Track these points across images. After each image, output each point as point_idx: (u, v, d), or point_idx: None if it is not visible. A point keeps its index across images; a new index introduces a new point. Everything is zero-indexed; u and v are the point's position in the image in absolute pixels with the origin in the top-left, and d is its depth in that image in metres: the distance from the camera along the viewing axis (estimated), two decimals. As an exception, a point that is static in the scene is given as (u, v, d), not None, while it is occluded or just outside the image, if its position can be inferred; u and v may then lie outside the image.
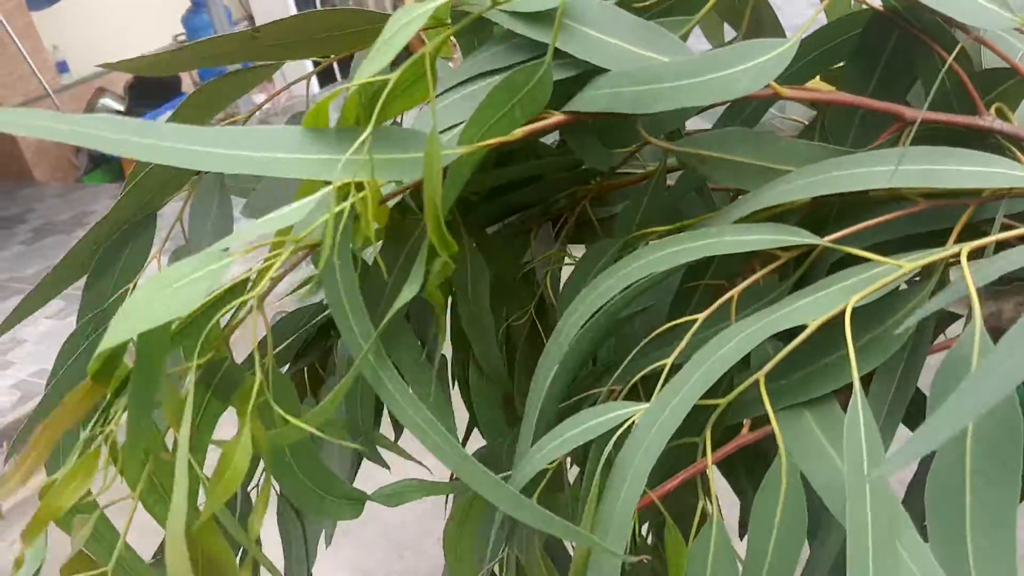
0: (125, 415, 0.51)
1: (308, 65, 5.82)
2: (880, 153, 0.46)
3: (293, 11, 5.79)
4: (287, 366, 0.76)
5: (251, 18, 5.87)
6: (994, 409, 0.42)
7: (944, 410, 0.37)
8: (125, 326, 0.41)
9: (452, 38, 0.61)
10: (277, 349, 0.73)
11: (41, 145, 5.09)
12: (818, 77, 0.59)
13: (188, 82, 5.44)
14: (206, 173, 0.72)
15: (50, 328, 3.42)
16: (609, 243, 0.61)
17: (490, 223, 0.68)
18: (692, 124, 0.63)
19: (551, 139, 0.65)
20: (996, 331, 0.41)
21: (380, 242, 0.61)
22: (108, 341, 0.41)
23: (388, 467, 0.83)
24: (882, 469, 0.42)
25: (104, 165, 5.22)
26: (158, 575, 0.55)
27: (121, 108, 4.88)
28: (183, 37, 5.15)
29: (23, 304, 0.74)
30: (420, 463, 0.94)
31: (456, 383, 0.74)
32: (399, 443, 0.81)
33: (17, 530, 2.40)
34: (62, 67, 5.18)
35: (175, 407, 0.46)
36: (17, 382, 3.10)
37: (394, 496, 0.71)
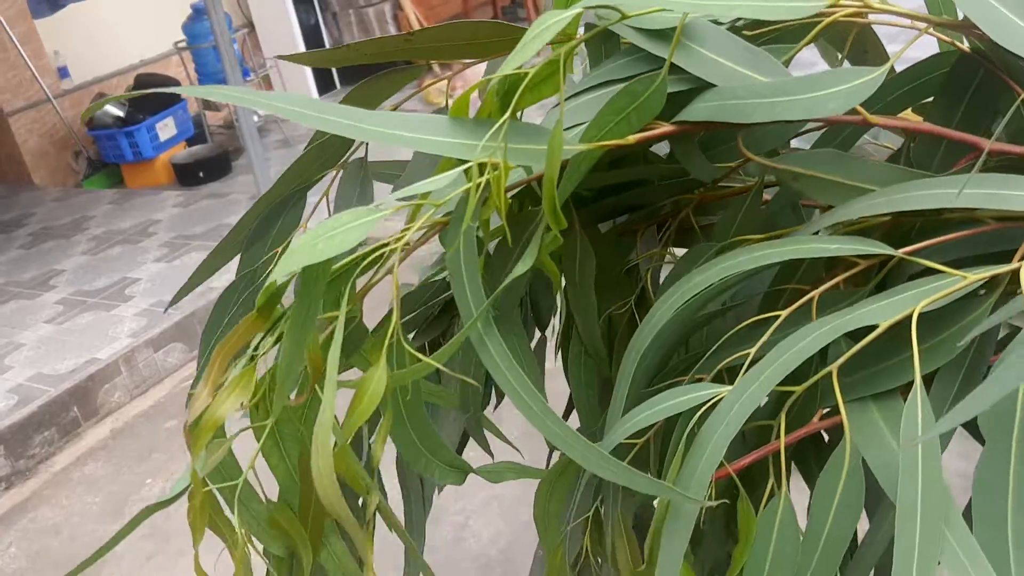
0: (275, 348, 0.60)
1: (306, 74, 5.82)
2: (953, 178, 0.52)
3: (293, 18, 5.87)
4: (411, 336, 0.85)
5: (251, 24, 5.99)
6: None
7: (992, 378, 0.42)
8: (292, 261, 0.50)
9: (582, 47, 0.69)
10: (407, 316, 0.81)
11: (41, 149, 5.14)
12: (909, 109, 0.64)
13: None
14: (352, 158, 0.82)
15: (49, 333, 3.45)
16: (706, 247, 0.68)
17: (602, 219, 0.76)
18: (794, 146, 0.70)
19: (663, 150, 0.72)
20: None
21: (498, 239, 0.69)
22: (277, 273, 0.50)
23: (492, 454, 0.91)
24: (931, 432, 0.47)
25: (103, 170, 5.25)
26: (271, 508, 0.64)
27: (121, 114, 4.94)
28: (183, 43, 5.17)
29: (201, 267, 0.85)
30: (516, 449, 1.02)
31: (560, 357, 0.81)
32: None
33: (9, 536, 2.57)
34: (63, 72, 5.22)
35: (314, 346, 0.55)
36: (15, 386, 3.07)
37: (494, 474, 0.79)
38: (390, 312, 0.88)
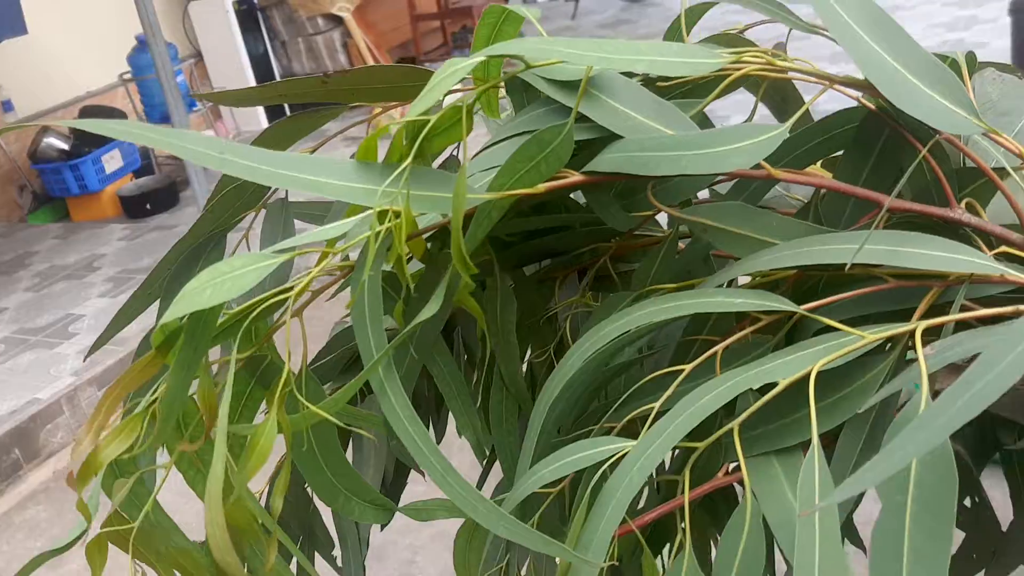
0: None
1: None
2: (854, 234, 0.52)
3: (241, 47, 5.85)
4: (331, 380, 0.83)
5: (199, 54, 5.95)
6: (934, 463, 0.47)
7: (888, 450, 0.42)
8: (181, 305, 0.48)
9: (503, 96, 0.69)
10: (325, 359, 0.80)
11: (-17, 184, 4.93)
12: (820, 163, 0.65)
13: (134, 119, 5.20)
14: (273, 199, 0.81)
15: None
16: (622, 296, 0.67)
17: (523, 263, 0.75)
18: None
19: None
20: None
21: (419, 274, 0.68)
22: (167, 317, 0.49)
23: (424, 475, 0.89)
24: (827, 500, 0.47)
25: (48, 204, 5.13)
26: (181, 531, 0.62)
27: (66, 147, 4.87)
28: (128, 75, 5.11)
29: (120, 313, 0.83)
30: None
31: (480, 403, 0.80)
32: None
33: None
34: (7, 106, 5.08)
35: (207, 390, 0.54)
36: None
37: (423, 512, 0.77)
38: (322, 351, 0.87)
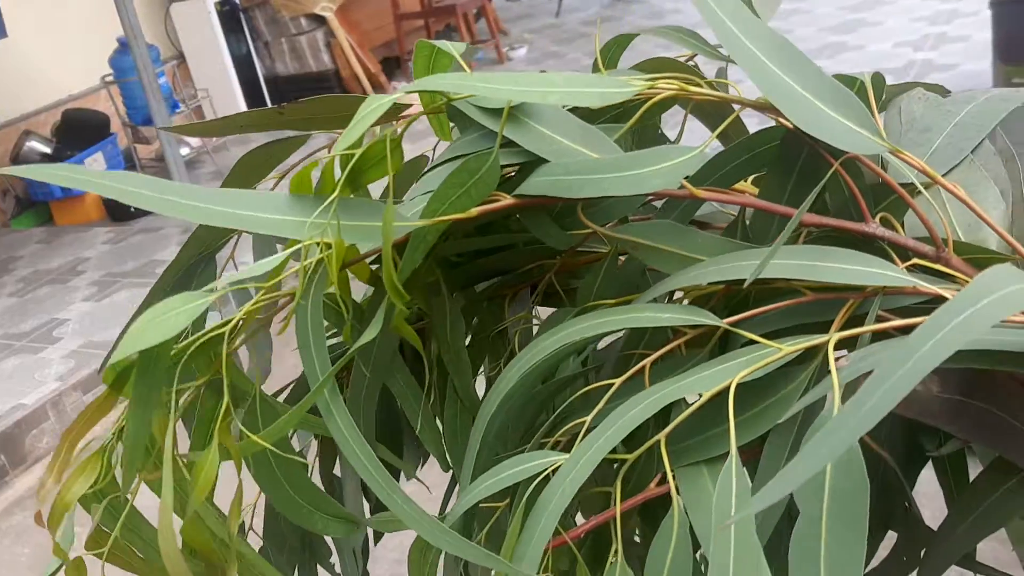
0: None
1: (238, 103, 5.70)
2: (771, 250, 0.54)
3: (224, 48, 5.85)
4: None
5: (182, 56, 5.93)
6: (848, 471, 0.49)
7: (802, 455, 0.44)
8: (126, 346, 0.50)
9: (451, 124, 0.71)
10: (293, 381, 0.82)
11: (-35, 190, 4.91)
12: (751, 179, 0.67)
13: (117, 122, 5.35)
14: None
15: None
16: (566, 311, 0.69)
17: (473, 282, 0.77)
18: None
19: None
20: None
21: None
22: (115, 356, 0.51)
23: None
24: (742, 512, 0.49)
25: (32, 208, 5.14)
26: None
27: (48, 150, 4.88)
28: (111, 78, 5.11)
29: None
30: (423, 483, 1.02)
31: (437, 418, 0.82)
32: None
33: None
34: None
35: (162, 420, 0.55)
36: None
37: (390, 523, 0.78)
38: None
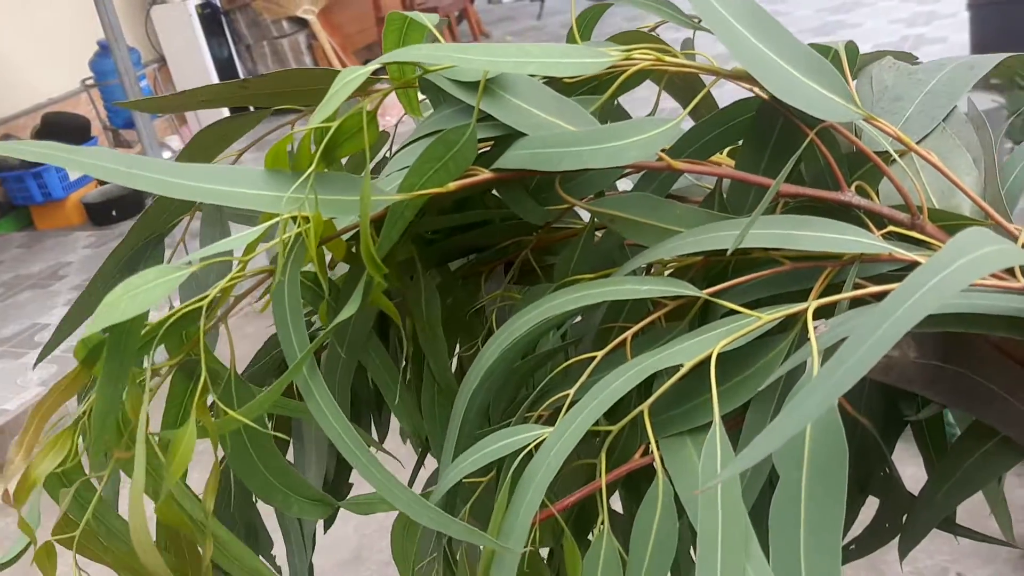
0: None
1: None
2: (750, 220, 0.54)
3: (205, 51, 5.81)
4: (269, 381, 0.84)
5: (163, 59, 5.90)
6: (825, 437, 0.49)
7: (781, 417, 0.44)
8: (98, 320, 0.50)
9: (422, 97, 0.71)
10: (263, 360, 0.81)
11: (-54, 193, 4.81)
12: (727, 151, 0.67)
13: (97, 125, 5.33)
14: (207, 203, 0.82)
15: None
16: (544, 287, 0.69)
17: (448, 259, 0.77)
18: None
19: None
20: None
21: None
22: (87, 331, 0.51)
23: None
24: (724, 473, 0.49)
25: (11, 213, 5.06)
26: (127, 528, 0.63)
27: None
28: (91, 80, 5.09)
29: (64, 322, 0.84)
30: (397, 459, 1.01)
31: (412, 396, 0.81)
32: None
33: None
34: None
35: (135, 397, 0.55)
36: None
37: (364, 506, 0.78)
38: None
